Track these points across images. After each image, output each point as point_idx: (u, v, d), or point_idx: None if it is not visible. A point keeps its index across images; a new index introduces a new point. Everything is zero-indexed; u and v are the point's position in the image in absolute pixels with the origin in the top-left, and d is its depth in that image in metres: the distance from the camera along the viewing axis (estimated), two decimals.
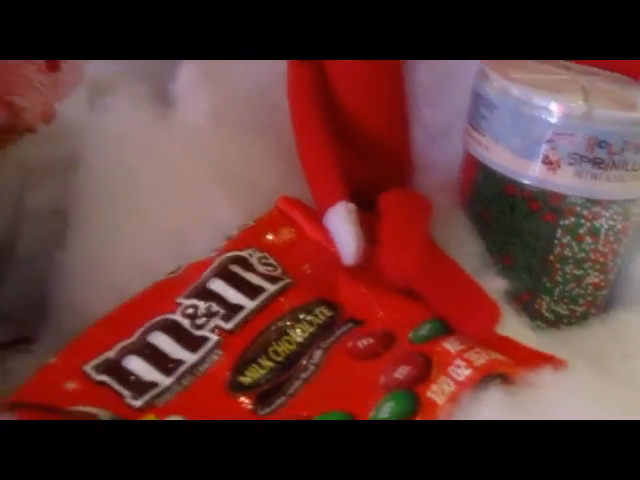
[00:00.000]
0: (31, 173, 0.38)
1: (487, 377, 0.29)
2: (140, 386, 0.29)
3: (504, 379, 0.29)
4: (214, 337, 0.31)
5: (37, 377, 0.29)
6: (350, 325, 0.32)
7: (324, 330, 0.32)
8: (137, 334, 0.31)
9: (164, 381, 0.29)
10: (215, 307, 0.32)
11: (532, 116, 0.35)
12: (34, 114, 0.37)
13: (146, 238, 0.35)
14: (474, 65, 0.38)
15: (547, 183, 0.35)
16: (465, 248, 0.36)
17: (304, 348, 0.31)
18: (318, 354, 0.31)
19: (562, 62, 0.39)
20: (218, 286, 0.33)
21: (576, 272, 0.37)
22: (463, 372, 0.29)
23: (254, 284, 0.33)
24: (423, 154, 0.41)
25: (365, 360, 0.31)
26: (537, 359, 0.30)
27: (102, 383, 0.29)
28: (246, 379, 0.30)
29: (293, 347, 0.31)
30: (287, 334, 0.32)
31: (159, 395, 0.29)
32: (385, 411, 0.28)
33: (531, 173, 0.35)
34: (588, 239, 0.36)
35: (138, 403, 0.29)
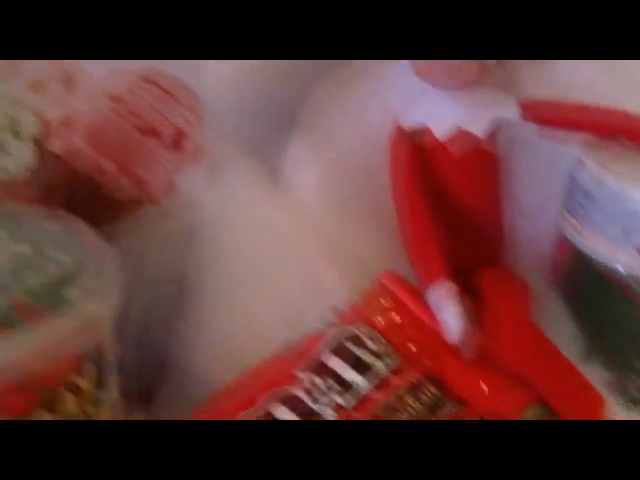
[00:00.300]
0: (151, 242, 0.40)
1: None
2: None
3: None
4: (331, 413, 0.33)
5: None
6: (456, 406, 0.34)
7: (432, 409, 0.34)
8: (258, 405, 0.34)
9: None
10: (331, 383, 0.34)
11: (629, 208, 0.37)
12: (157, 188, 0.39)
13: (261, 310, 0.38)
14: (570, 151, 0.40)
15: None
16: (559, 329, 0.38)
17: None
18: None
19: None
20: (333, 362, 0.35)
21: None
22: None
23: (366, 361, 0.35)
24: (514, 231, 0.43)
25: None
26: None
27: None
28: None
29: None
30: (398, 413, 0.34)
31: None
32: None
33: (626, 261, 0.37)
34: None
35: None
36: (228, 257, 0.39)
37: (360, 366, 0.35)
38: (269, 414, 0.33)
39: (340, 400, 0.34)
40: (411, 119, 0.41)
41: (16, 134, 0.37)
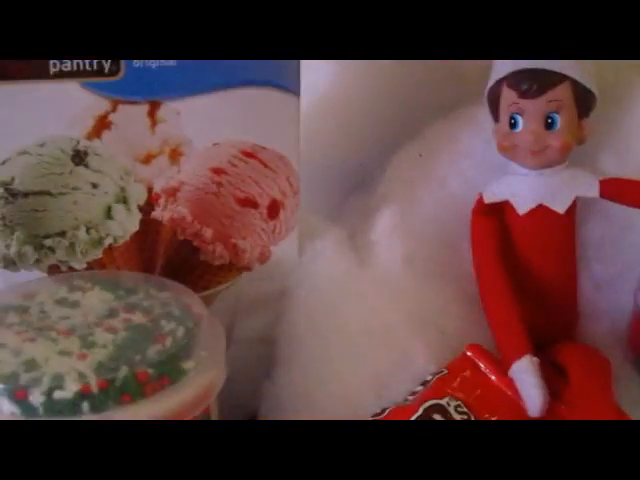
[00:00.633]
0: (243, 304, 0.42)
1: None
2: None
3: None
4: None
5: None
6: None
7: None
8: None
9: None
10: None
11: None
12: (253, 255, 0.42)
13: (349, 377, 0.39)
14: None
15: None
16: (637, 407, 0.39)
17: None
18: None
19: None
20: None
21: None
22: None
23: None
24: (589, 303, 0.45)
25: None
26: None
27: None
28: None
29: None
30: None
31: None
32: None
33: None
34: None
35: None
36: (318, 321, 0.41)
37: None
38: None
39: None
40: (493, 193, 0.43)
41: (124, 202, 0.39)
